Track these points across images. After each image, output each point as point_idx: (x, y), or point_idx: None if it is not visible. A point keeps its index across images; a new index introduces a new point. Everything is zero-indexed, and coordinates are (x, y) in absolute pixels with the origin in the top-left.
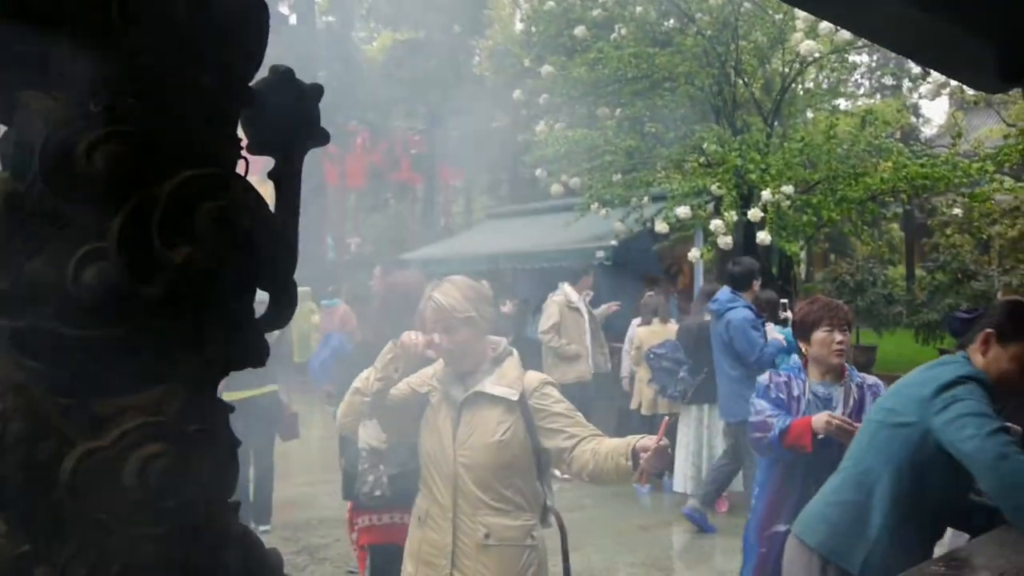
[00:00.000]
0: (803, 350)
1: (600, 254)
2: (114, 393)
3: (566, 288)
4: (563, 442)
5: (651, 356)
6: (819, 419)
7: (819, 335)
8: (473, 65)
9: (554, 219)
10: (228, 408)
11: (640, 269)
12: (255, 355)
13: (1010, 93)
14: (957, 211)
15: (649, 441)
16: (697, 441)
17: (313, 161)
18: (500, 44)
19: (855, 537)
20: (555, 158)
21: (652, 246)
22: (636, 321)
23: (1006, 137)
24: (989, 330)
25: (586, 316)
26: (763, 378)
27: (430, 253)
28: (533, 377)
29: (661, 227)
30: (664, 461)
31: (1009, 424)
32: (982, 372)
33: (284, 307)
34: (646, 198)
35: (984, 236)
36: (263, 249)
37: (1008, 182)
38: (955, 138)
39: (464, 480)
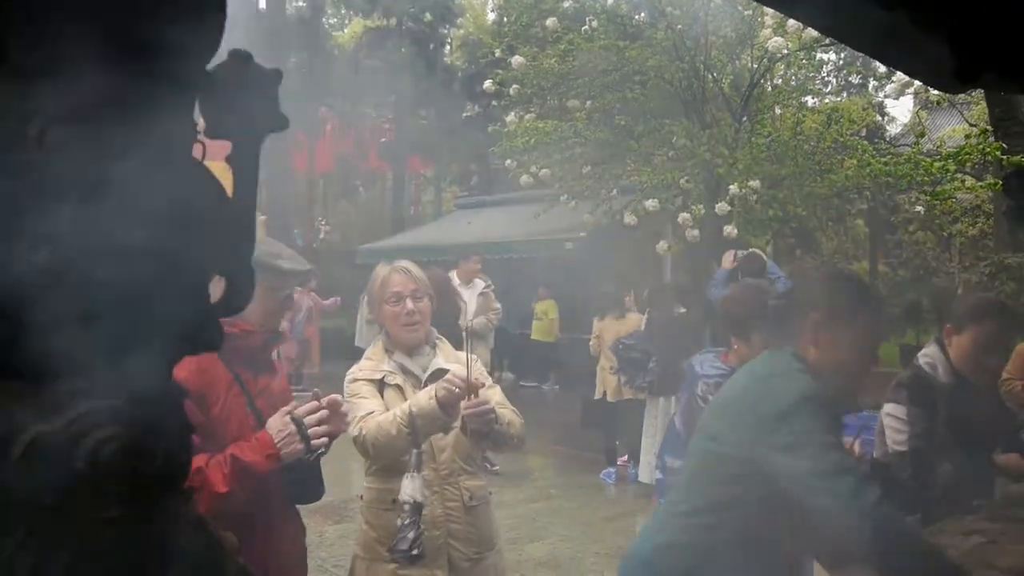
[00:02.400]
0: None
1: (569, 246)
2: (63, 377)
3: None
4: None
5: (620, 347)
6: None
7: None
8: (444, 54)
9: (523, 210)
10: (183, 393)
11: (608, 261)
12: (210, 340)
13: (971, 94)
14: (919, 208)
15: (469, 402)
16: (664, 432)
17: (282, 147)
18: (471, 34)
19: None
20: (525, 149)
21: (621, 238)
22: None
23: (967, 137)
24: (814, 316)
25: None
26: None
27: (399, 242)
28: (462, 355)
29: (630, 219)
30: (483, 419)
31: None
32: (817, 386)
33: (241, 291)
34: (615, 190)
35: (946, 234)
36: (219, 233)
37: (969, 181)
38: (918, 137)
39: (446, 451)
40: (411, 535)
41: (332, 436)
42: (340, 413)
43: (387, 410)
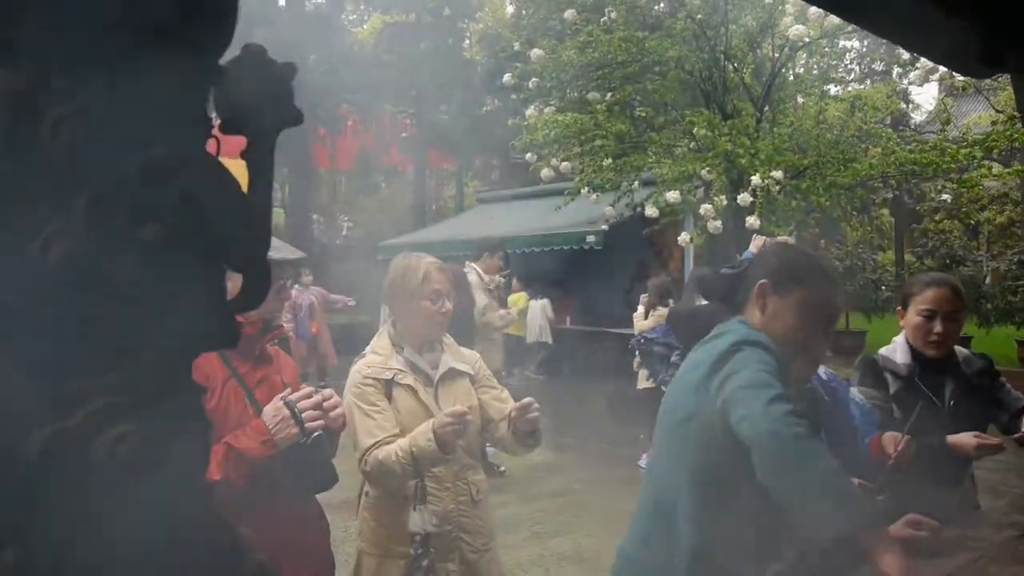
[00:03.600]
0: None
1: (590, 238)
2: (81, 373)
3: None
4: (493, 414)
5: (642, 341)
6: None
7: None
8: (463, 49)
9: (544, 204)
10: (201, 390)
11: (630, 254)
12: (226, 337)
13: (997, 79)
14: (946, 197)
15: (517, 403)
16: None
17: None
18: (490, 27)
19: None
20: (545, 142)
21: (642, 231)
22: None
23: (993, 123)
24: (763, 281)
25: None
26: None
27: (421, 237)
28: (471, 354)
29: (651, 212)
30: (529, 419)
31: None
32: (760, 334)
33: (256, 288)
34: (636, 183)
35: (973, 222)
36: (233, 229)
37: (996, 168)
38: (944, 124)
39: (457, 449)
40: (425, 563)
41: (329, 427)
42: (333, 408)
43: (394, 420)
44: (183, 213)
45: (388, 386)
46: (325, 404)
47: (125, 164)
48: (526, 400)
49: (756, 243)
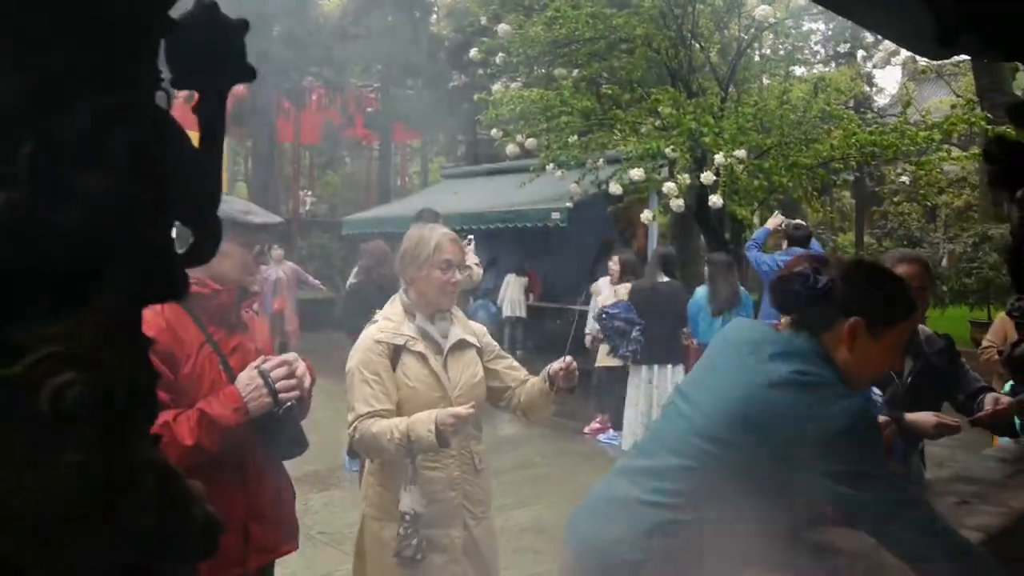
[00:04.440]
0: None
1: (555, 215)
2: (27, 322)
3: None
4: (509, 382)
5: (603, 316)
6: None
7: None
8: (431, 23)
9: (510, 180)
10: (148, 342)
11: (595, 231)
12: (174, 289)
13: (958, 64)
14: (904, 179)
15: (559, 364)
16: (647, 400)
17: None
18: (458, 1)
19: (616, 540)
20: (510, 118)
21: (607, 208)
22: (605, 280)
23: (952, 107)
24: (856, 320)
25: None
26: None
27: (386, 212)
28: (478, 327)
29: (615, 189)
30: (571, 377)
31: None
32: (864, 405)
33: (206, 242)
34: (601, 160)
35: (931, 204)
36: (182, 182)
37: (955, 152)
38: (904, 107)
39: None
40: (414, 542)
41: (299, 396)
42: (299, 376)
43: (393, 394)
44: (128, 163)
45: (398, 352)
46: (297, 376)
47: (69, 113)
48: (568, 359)
49: (774, 221)
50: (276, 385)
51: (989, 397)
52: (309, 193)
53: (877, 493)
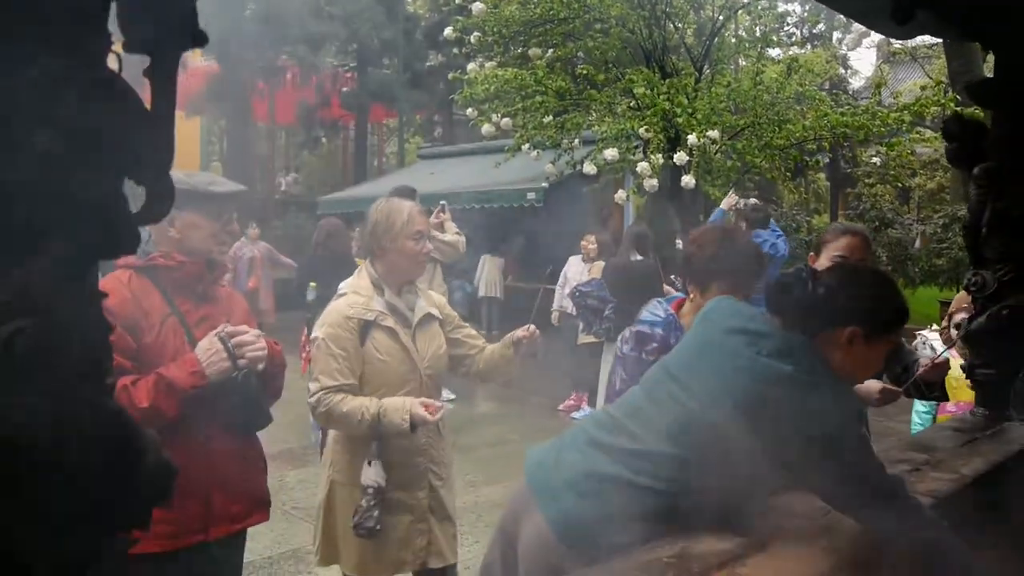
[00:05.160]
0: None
1: (531, 195)
2: None
3: None
4: (468, 350)
5: (577, 294)
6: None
7: None
8: (407, 2)
9: (486, 160)
10: (102, 295)
11: (571, 211)
12: (126, 244)
13: (932, 47)
14: (876, 160)
15: (522, 331)
16: None
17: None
18: None
19: (592, 517)
20: (485, 97)
21: (583, 188)
22: (575, 258)
23: (923, 88)
24: (855, 329)
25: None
26: None
27: (362, 192)
28: (439, 298)
29: (589, 168)
30: (533, 343)
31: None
32: (857, 403)
33: (158, 201)
34: (577, 140)
35: (903, 186)
36: (134, 142)
37: (928, 134)
38: (876, 87)
39: (428, 387)
40: (375, 514)
41: (256, 364)
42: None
43: (357, 370)
44: (79, 122)
45: (367, 327)
46: (257, 343)
47: (21, 73)
48: (531, 327)
49: (728, 201)
50: (235, 351)
51: (923, 359)
52: (285, 173)
53: (863, 486)
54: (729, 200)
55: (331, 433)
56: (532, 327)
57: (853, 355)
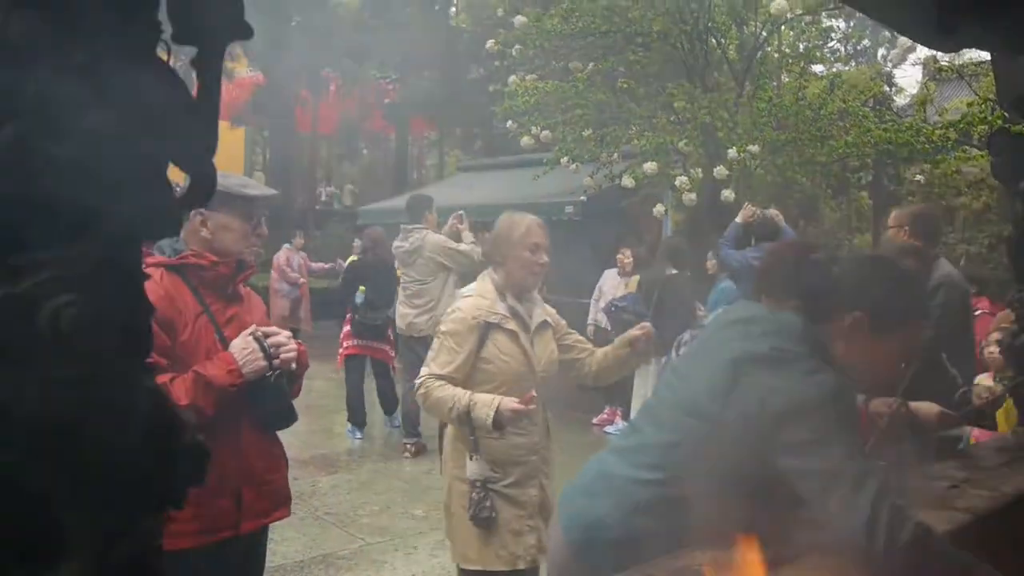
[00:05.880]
0: None
1: (569, 209)
2: (29, 247)
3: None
4: (578, 354)
5: (613, 308)
6: None
7: None
8: (450, 15)
9: (525, 173)
10: (145, 276)
11: (608, 225)
12: (169, 227)
13: (980, 64)
14: (919, 178)
15: (637, 330)
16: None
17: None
18: None
19: (603, 515)
20: (525, 110)
21: (621, 202)
22: (611, 271)
23: (969, 105)
24: (858, 314)
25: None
26: None
27: (401, 204)
28: (549, 308)
29: (628, 182)
30: (649, 340)
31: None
32: (841, 384)
33: (201, 188)
34: (616, 154)
35: (948, 205)
36: (178, 128)
37: (974, 153)
38: (920, 104)
39: (543, 389)
40: (488, 504)
41: (289, 364)
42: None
43: (467, 367)
44: (127, 105)
45: (489, 328)
46: (289, 344)
47: (72, 57)
48: (646, 325)
49: (744, 214)
50: (271, 351)
51: (980, 388)
52: (326, 184)
53: (831, 463)
54: (745, 213)
55: (447, 436)
56: (647, 325)
57: (857, 345)
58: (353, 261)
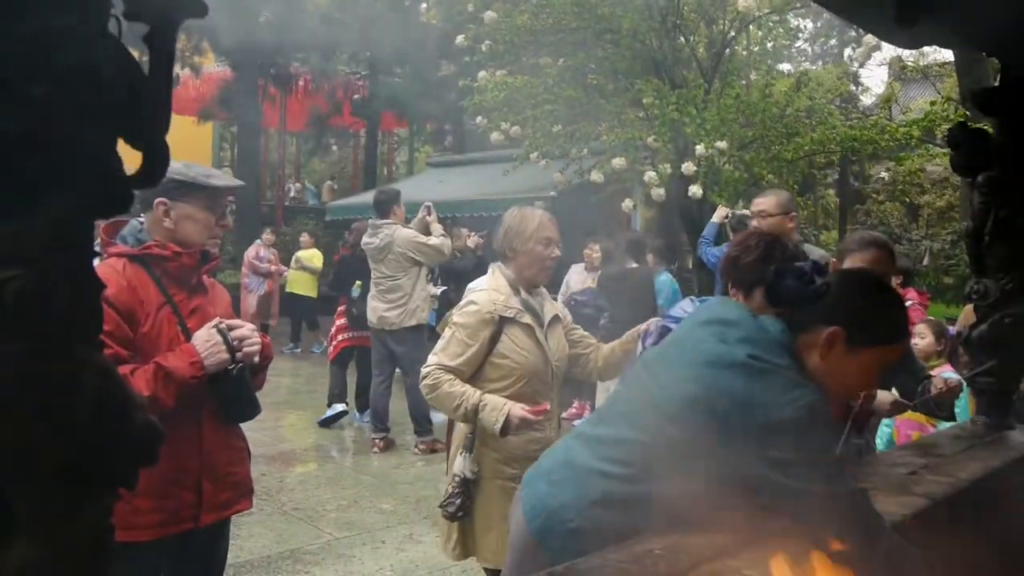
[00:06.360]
0: None
1: (539, 204)
2: None
3: None
4: (583, 349)
5: (572, 302)
6: None
7: None
8: (420, 12)
9: (495, 169)
10: (95, 254)
11: (579, 220)
12: (120, 204)
13: (944, 65)
14: (884, 175)
15: (646, 325)
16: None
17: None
18: None
19: (562, 510)
20: (495, 106)
21: (590, 197)
22: (577, 266)
23: (933, 104)
24: (835, 329)
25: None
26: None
27: (370, 199)
28: (558, 304)
29: (597, 177)
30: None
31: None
32: (819, 402)
33: (154, 166)
34: (586, 150)
35: (912, 203)
36: (129, 105)
37: (937, 151)
38: (885, 102)
39: (557, 384)
40: (458, 502)
41: (252, 358)
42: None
43: (476, 362)
44: (76, 78)
45: (503, 322)
46: (253, 338)
47: (20, 30)
48: (652, 321)
49: (719, 214)
50: (234, 343)
51: (937, 380)
52: (294, 180)
53: (811, 483)
54: (720, 213)
55: (455, 433)
56: (656, 319)
57: (831, 360)
58: (344, 256)
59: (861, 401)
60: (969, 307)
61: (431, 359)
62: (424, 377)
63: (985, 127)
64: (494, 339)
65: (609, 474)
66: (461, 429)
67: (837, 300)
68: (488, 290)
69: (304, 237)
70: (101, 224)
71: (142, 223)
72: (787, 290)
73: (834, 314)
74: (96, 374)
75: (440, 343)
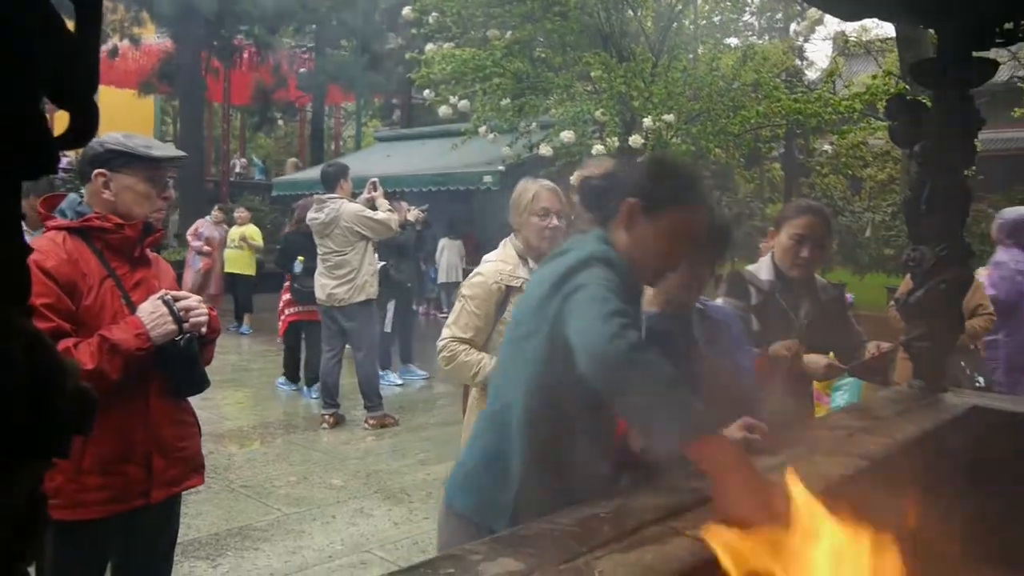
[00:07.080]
0: None
1: (487, 179)
2: None
3: None
4: None
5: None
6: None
7: None
8: None
9: (443, 143)
10: (20, 216)
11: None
12: (46, 165)
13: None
14: (827, 148)
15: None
16: None
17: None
18: None
19: (499, 491)
20: (442, 78)
21: (539, 171)
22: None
23: (874, 78)
24: (631, 200)
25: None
26: None
27: (316, 175)
28: None
29: (545, 151)
30: None
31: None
32: (612, 251)
33: (83, 126)
34: (534, 124)
35: (854, 176)
36: (53, 61)
37: (879, 125)
38: (829, 76)
39: None
40: None
41: (199, 328)
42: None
43: (487, 330)
44: None
45: (510, 291)
46: (199, 308)
47: None
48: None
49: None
50: (180, 314)
51: (871, 345)
52: (239, 155)
53: (587, 324)
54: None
55: (471, 400)
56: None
57: (635, 232)
58: (289, 233)
59: (791, 365)
60: (906, 281)
61: (444, 331)
62: (440, 350)
63: (923, 99)
64: (501, 308)
65: (493, 432)
66: (474, 395)
67: (631, 181)
68: (496, 261)
69: (240, 212)
70: (39, 199)
71: (82, 196)
72: (592, 190)
73: (630, 191)
74: (24, 340)
75: (451, 315)
